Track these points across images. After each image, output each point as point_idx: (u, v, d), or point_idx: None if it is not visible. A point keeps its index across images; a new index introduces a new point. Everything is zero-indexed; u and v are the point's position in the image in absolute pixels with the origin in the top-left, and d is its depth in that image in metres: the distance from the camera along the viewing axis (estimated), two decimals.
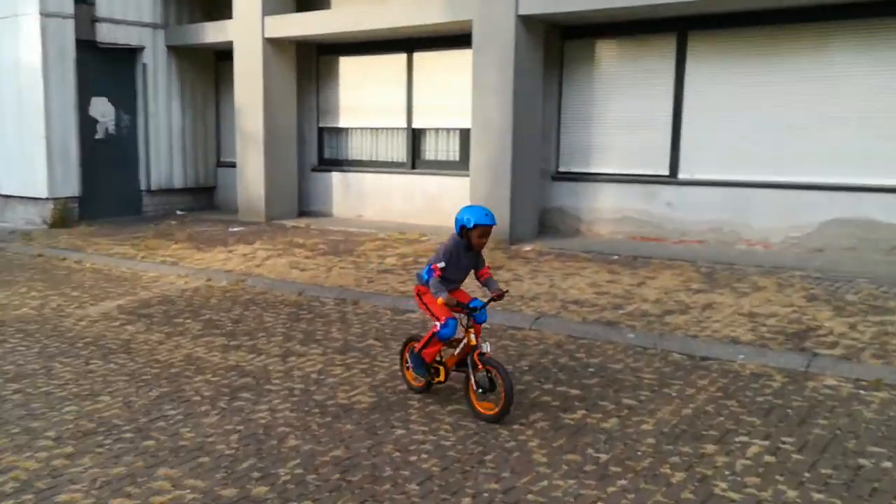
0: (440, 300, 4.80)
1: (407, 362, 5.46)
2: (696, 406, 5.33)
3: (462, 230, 4.94)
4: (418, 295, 5.12)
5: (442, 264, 4.90)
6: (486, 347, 4.95)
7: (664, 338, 6.78)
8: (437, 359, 5.22)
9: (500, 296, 4.90)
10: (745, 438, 4.78)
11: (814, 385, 5.74)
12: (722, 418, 5.11)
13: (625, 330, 7.01)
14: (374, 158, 14.17)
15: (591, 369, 6.07)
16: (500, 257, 10.32)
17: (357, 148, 14.40)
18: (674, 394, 5.57)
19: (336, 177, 14.49)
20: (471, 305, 4.90)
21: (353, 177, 14.26)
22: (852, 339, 6.65)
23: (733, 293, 8.30)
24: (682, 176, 11.37)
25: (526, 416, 4.96)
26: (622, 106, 11.72)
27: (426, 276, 4.95)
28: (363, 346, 6.71)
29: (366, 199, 14.09)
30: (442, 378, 5.23)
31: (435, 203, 13.22)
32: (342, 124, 14.47)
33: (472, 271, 5.10)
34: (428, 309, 5.02)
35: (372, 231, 12.63)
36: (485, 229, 4.91)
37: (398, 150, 13.86)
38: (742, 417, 5.13)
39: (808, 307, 7.69)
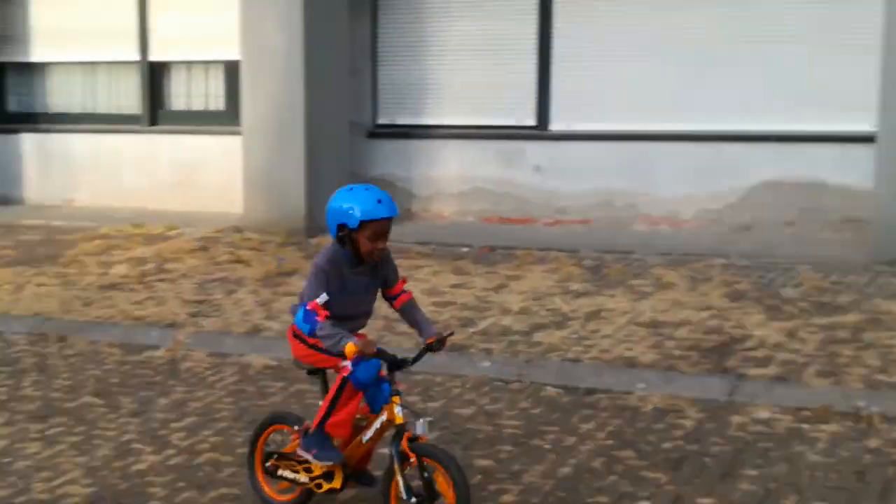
0: (348, 349, 4.30)
1: (268, 464, 4.94)
2: (578, 462, 5.41)
3: (342, 232, 4.51)
4: (297, 336, 4.68)
5: (322, 298, 4.44)
6: (421, 428, 4.41)
7: (533, 365, 6.87)
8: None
9: (441, 342, 4.57)
10: None
11: (740, 421, 5.96)
12: (615, 477, 5.21)
13: (477, 357, 7.05)
14: (89, 110, 13.77)
15: (429, 419, 6.05)
16: (293, 257, 10.23)
17: (62, 95, 13.94)
18: (547, 446, 5.65)
19: (28, 141, 13.97)
20: (399, 359, 4.47)
21: (57, 140, 13.78)
22: (791, 351, 6.98)
23: (629, 294, 8.56)
24: (554, 127, 11.66)
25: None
26: (468, 29, 11.85)
27: (305, 322, 4.50)
28: (75, 406, 6.48)
29: (78, 174, 13.68)
30: (337, 484, 4.74)
31: (189, 177, 12.97)
32: (36, 58, 13.95)
33: (381, 292, 4.73)
34: (318, 351, 4.59)
35: (89, 224, 12.29)
36: (381, 226, 4.48)
37: (128, 96, 13.55)
38: (643, 474, 5.25)
39: (732, 309, 8.02)
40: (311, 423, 4.70)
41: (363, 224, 4.45)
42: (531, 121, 11.68)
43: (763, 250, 10.02)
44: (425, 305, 8.35)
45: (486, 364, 6.95)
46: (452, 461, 4.37)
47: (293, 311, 4.69)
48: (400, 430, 4.44)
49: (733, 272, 9.26)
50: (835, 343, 7.11)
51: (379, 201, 4.46)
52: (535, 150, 11.67)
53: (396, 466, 4.43)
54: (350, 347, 4.30)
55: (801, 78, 10.60)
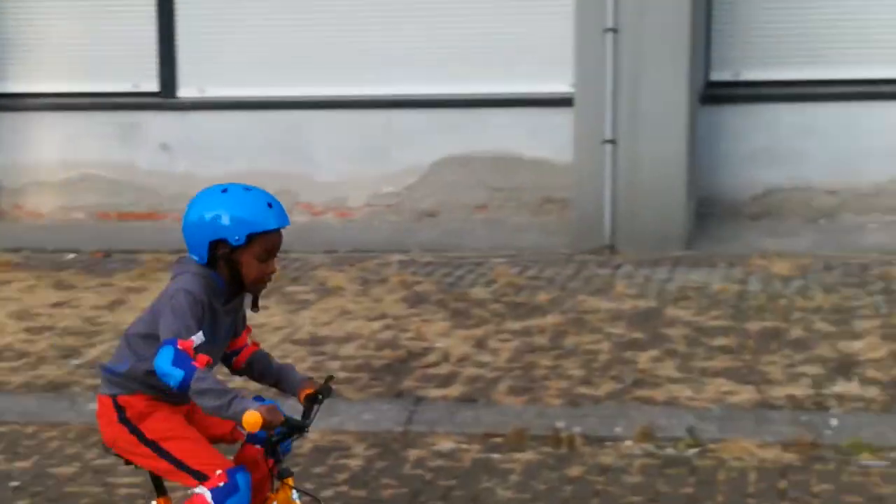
0: (251, 418, 3.90)
1: None
2: None
3: (220, 251, 4.19)
4: (125, 421, 4.24)
5: (198, 338, 4.06)
6: None
7: None
8: None
9: (328, 388, 4.33)
10: None
11: (418, 455, 6.09)
12: None
13: (82, 398, 6.89)
14: None
15: (13, 483, 5.83)
16: None
17: None
18: None
19: None
20: (291, 422, 4.12)
21: None
22: (480, 364, 7.22)
23: (285, 305, 8.60)
24: (183, 94, 11.55)
25: None
26: None
27: (176, 367, 3.96)
28: None
29: None
30: None
31: None
32: None
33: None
34: (163, 455, 4.22)
35: None
36: (274, 240, 4.22)
37: None
38: None
39: (411, 317, 8.22)
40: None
41: (252, 239, 4.13)
42: (153, 86, 11.52)
43: (450, 241, 10.31)
44: (11, 333, 8.08)
45: (93, 407, 6.75)
46: None
47: (109, 369, 4.24)
48: None
49: (413, 270, 9.47)
50: (531, 352, 7.40)
51: (269, 205, 4.15)
52: (160, 124, 11.52)
53: None
54: (254, 416, 3.87)
55: (486, 32, 10.95)
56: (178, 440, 4.21)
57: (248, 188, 4.19)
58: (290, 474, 4.25)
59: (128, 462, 4.34)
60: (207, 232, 4.14)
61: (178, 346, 3.95)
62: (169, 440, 4.20)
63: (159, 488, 4.36)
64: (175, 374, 3.92)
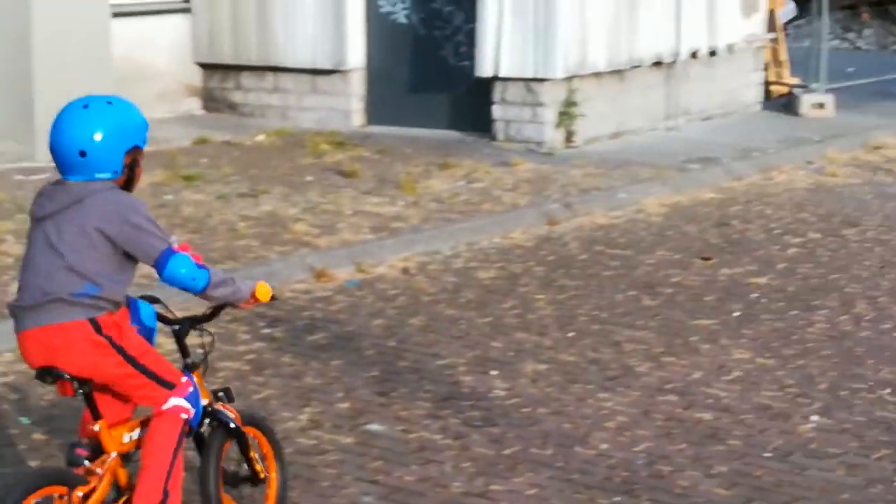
0: (264, 288, 4.38)
1: None
2: None
3: (127, 158, 4.29)
4: (109, 339, 4.29)
5: (175, 237, 4.35)
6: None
7: None
8: None
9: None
10: None
11: None
12: None
13: None
14: None
15: None
16: None
17: None
18: None
19: None
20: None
21: None
22: None
23: None
24: None
25: None
26: None
27: (201, 269, 4.25)
28: None
29: None
30: None
31: None
32: None
33: None
34: (140, 368, 4.36)
35: None
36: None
37: None
38: None
39: None
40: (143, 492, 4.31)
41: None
42: None
43: None
44: None
45: None
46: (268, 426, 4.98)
47: (81, 288, 4.20)
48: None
49: None
50: None
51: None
52: None
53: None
54: (265, 287, 4.30)
55: None
56: (148, 353, 4.41)
57: (108, 98, 4.30)
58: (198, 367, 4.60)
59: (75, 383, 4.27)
60: (126, 141, 4.23)
61: (176, 247, 4.19)
62: (144, 355, 4.37)
63: (95, 411, 4.36)
64: (201, 275, 4.22)
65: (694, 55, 14.31)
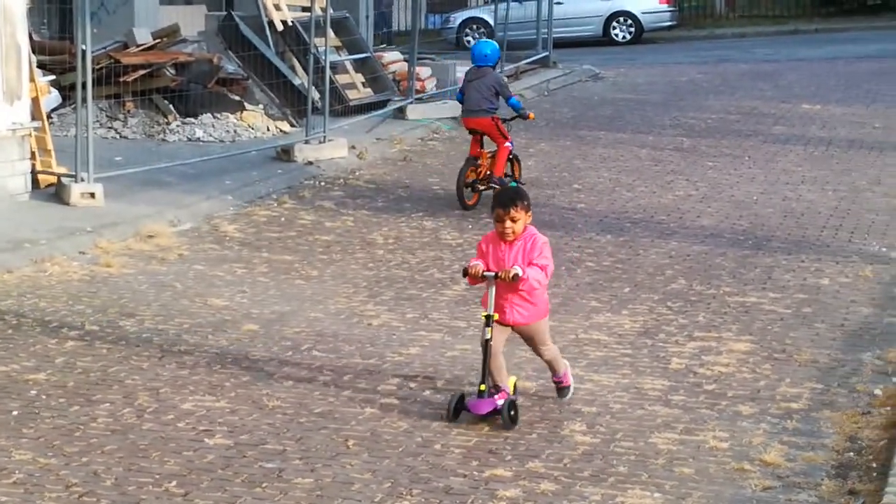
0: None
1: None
2: None
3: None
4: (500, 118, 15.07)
5: None
6: None
7: None
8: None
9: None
10: None
11: None
12: None
13: None
14: None
15: None
16: None
17: None
18: None
19: None
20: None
21: None
22: None
23: None
24: None
25: None
26: None
27: (519, 102, 15.79)
28: None
29: None
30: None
31: None
32: None
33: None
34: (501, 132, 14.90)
35: None
36: None
37: None
38: None
39: None
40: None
41: None
42: None
43: None
44: None
45: None
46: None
47: (490, 104, 14.95)
48: None
49: None
50: None
51: None
52: None
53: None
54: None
55: None
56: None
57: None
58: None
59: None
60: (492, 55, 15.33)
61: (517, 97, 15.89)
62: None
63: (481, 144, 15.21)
64: (519, 103, 15.79)
65: None
